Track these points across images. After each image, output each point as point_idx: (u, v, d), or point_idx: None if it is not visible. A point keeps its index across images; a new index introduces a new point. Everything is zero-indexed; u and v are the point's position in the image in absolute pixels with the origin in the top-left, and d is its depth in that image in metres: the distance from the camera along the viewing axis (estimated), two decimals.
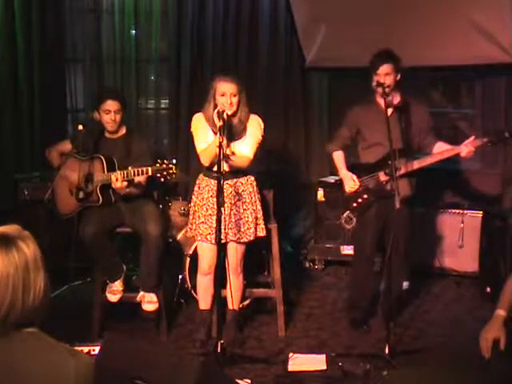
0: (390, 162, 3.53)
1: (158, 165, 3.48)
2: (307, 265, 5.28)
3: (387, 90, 3.65)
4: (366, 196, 3.87)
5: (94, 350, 3.25)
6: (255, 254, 4.36)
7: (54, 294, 4.26)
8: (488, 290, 4.42)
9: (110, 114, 3.81)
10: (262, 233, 3.78)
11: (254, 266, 4.36)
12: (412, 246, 4.96)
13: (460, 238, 4.83)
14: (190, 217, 3.79)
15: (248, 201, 3.71)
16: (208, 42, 5.38)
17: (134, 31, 5.34)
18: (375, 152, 3.85)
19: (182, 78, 5.37)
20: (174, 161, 3.50)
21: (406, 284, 4.71)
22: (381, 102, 3.83)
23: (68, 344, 1.60)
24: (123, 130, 3.96)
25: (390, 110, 3.81)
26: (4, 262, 1.51)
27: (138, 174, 3.56)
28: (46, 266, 1.58)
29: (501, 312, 2.60)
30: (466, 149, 3.74)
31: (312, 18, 5.34)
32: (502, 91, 5.02)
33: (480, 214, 4.80)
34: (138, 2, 5.26)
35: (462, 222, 4.82)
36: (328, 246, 5.21)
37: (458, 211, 4.87)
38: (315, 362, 3.55)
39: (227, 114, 3.47)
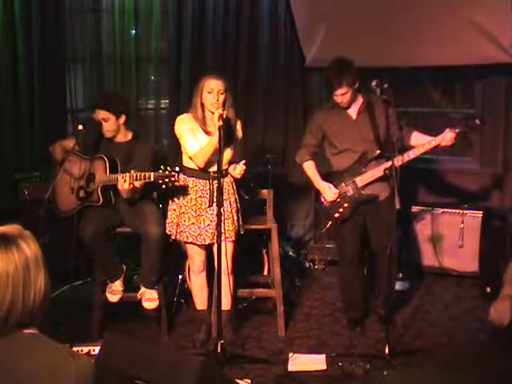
0: (390, 162, 3.55)
1: (160, 171, 3.45)
2: (307, 265, 5.28)
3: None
4: (346, 204, 3.84)
5: (93, 350, 3.25)
6: (255, 254, 4.37)
7: (54, 294, 4.26)
8: (488, 290, 4.42)
9: (102, 122, 3.83)
10: (242, 231, 3.81)
11: (254, 266, 4.37)
12: (412, 245, 5.01)
13: (460, 238, 4.83)
14: (175, 219, 3.73)
15: (233, 199, 3.75)
16: (208, 41, 5.38)
17: (133, 31, 5.33)
18: (346, 157, 3.83)
19: (182, 78, 5.37)
20: (177, 168, 3.48)
21: (406, 284, 4.72)
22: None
23: (68, 344, 1.60)
24: (128, 136, 3.94)
25: (355, 113, 3.82)
26: (4, 260, 1.51)
27: (141, 179, 3.55)
28: (46, 266, 1.58)
29: (506, 291, 2.66)
30: (444, 140, 3.69)
31: (312, 18, 5.34)
32: (501, 91, 5.02)
33: (480, 214, 4.80)
34: (138, 1, 5.25)
35: (462, 222, 4.82)
36: (328, 246, 5.21)
37: (457, 211, 4.87)
38: (315, 362, 3.55)
39: (227, 115, 3.49)
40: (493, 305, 2.74)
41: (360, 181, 3.80)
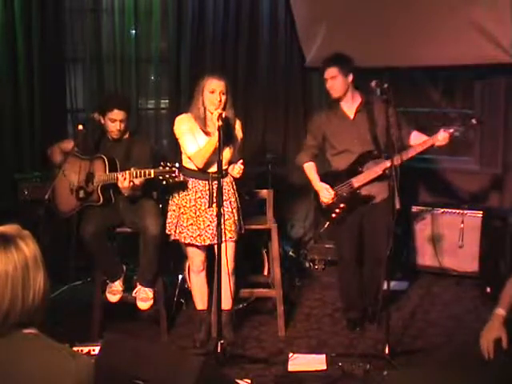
0: (389, 164, 3.55)
1: (160, 167, 3.45)
2: (307, 265, 5.29)
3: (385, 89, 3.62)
4: (342, 205, 3.85)
5: (94, 350, 3.25)
6: (255, 254, 4.37)
7: (53, 294, 4.26)
8: (488, 290, 4.42)
9: (115, 122, 3.78)
10: (243, 230, 3.80)
11: (254, 266, 4.37)
12: (412, 245, 5.01)
13: (460, 238, 4.82)
14: (174, 219, 3.73)
15: (233, 200, 3.74)
16: (208, 41, 5.38)
17: (133, 31, 5.34)
18: (345, 158, 3.83)
19: (182, 78, 5.37)
20: (177, 164, 3.48)
21: (405, 284, 4.73)
22: (344, 107, 3.84)
23: (68, 344, 1.60)
24: (126, 133, 3.95)
25: (352, 113, 3.82)
26: (3, 260, 1.51)
27: (141, 176, 3.55)
28: (45, 266, 1.58)
29: (501, 311, 2.60)
30: (439, 141, 3.67)
31: (312, 18, 5.34)
32: (501, 91, 5.01)
33: (480, 214, 4.80)
34: (138, 1, 5.25)
35: (462, 222, 4.82)
36: (328, 246, 5.21)
37: (457, 211, 4.87)
38: (315, 362, 3.55)
39: (226, 115, 3.49)
40: (485, 329, 2.66)
41: (356, 181, 3.81)
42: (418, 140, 3.80)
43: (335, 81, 3.74)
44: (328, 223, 3.95)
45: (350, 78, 3.75)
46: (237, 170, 3.63)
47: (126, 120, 3.82)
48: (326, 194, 3.84)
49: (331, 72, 3.73)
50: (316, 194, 3.98)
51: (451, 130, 3.67)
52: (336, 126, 3.84)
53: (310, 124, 4.05)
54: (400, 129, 3.80)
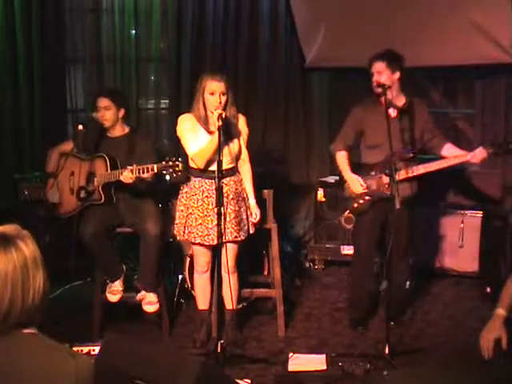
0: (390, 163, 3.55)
1: (164, 162, 3.47)
2: (307, 265, 5.29)
3: (384, 89, 3.63)
4: (367, 198, 3.86)
5: (93, 350, 3.25)
6: (255, 254, 4.37)
7: (53, 294, 4.26)
8: (488, 290, 4.42)
9: (100, 111, 3.84)
10: (252, 230, 3.80)
11: (254, 266, 4.37)
12: (412, 245, 5.00)
13: (460, 238, 4.82)
14: (182, 220, 3.70)
15: (241, 199, 3.72)
16: (208, 41, 5.38)
17: (133, 31, 5.34)
18: (378, 153, 3.82)
19: (182, 78, 5.37)
20: (180, 158, 3.50)
21: (406, 284, 4.72)
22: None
23: (68, 344, 1.60)
24: (126, 129, 3.96)
25: (394, 112, 3.80)
26: (2, 260, 1.51)
27: (144, 172, 3.55)
28: (45, 266, 1.58)
29: (501, 311, 2.60)
30: (475, 158, 3.70)
31: (312, 18, 5.34)
32: (501, 91, 5.02)
33: (480, 214, 4.80)
34: (138, 1, 5.25)
35: (462, 222, 4.82)
36: (328, 245, 5.22)
37: (458, 211, 4.87)
38: (315, 362, 3.55)
39: (226, 115, 3.48)
40: (484, 328, 2.64)
41: (386, 178, 3.80)
42: (451, 152, 3.81)
43: (381, 76, 3.74)
44: (348, 212, 3.96)
45: (397, 75, 3.76)
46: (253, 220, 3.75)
47: (111, 108, 3.85)
48: (357, 185, 3.82)
49: (378, 66, 3.75)
50: (340, 183, 3.98)
51: (490, 151, 3.69)
52: (375, 121, 3.78)
53: (351, 114, 3.98)
54: (434, 136, 3.82)
